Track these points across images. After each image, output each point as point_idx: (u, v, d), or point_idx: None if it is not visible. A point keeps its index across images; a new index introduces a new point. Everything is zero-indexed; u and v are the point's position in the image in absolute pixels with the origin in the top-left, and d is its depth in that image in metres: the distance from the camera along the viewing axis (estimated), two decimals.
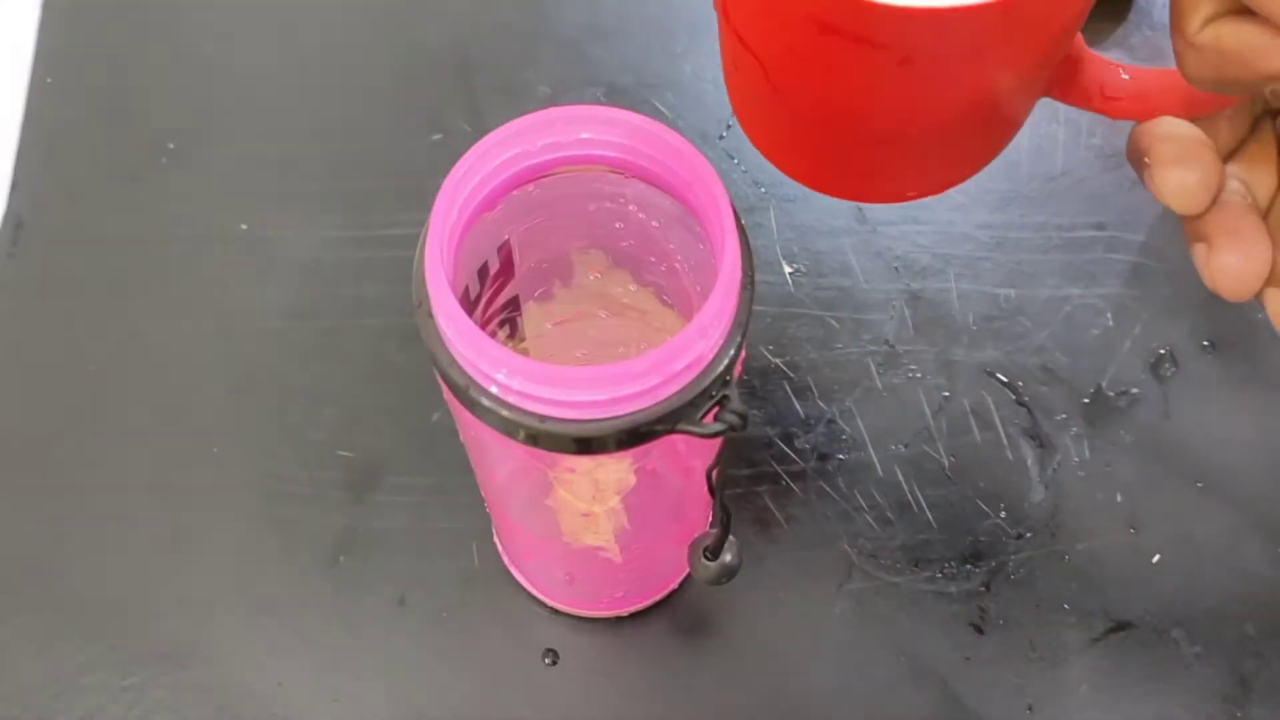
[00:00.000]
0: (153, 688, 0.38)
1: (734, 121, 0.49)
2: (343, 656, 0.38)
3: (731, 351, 0.25)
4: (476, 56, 0.50)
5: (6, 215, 0.46)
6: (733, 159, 0.48)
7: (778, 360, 0.44)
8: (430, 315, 0.25)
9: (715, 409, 0.25)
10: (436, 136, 0.48)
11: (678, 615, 0.39)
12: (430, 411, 0.42)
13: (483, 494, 0.35)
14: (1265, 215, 0.25)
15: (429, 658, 0.38)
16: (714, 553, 0.30)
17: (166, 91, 0.50)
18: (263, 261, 0.45)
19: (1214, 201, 0.24)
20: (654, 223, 0.29)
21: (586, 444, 0.24)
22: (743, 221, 0.26)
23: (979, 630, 0.39)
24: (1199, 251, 0.24)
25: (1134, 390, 0.43)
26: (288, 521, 0.40)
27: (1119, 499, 0.41)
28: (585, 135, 0.27)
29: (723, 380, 0.25)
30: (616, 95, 0.49)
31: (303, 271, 0.45)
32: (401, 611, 0.39)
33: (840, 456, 0.42)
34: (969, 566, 0.40)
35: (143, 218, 0.46)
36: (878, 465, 0.41)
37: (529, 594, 0.39)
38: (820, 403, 0.42)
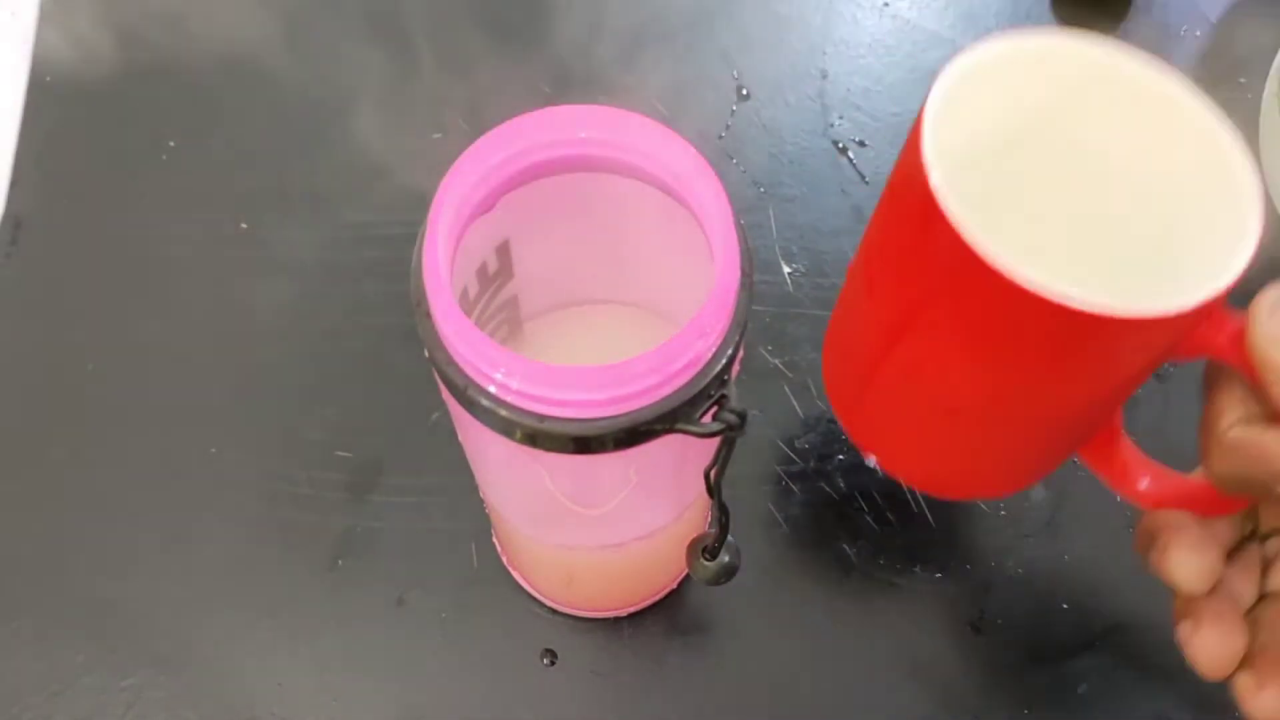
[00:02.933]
0: (151, 688, 0.38)
1: (732, 121, 0.49)
2: (342, 657, 0.38)
3: (730, 351, 0.25)
4: (476, 55, 0.50)
5: (5, 214, 0.46)
6: (731, 159, 0.48)
7: (777, 360, 0.44)
8: (429, 315, 0.25)
9: (714, 408, 0.25)
10: (436, 136, 0.48)
11: (676, 616, 0.39)
12: (429, 412, 0.42)
13: (482, 494, 0.35)
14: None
15: (428, 658, 0.38)
16: (713, 553, 0.30)
17: (166, 92, 0.50)
18: (263, 261, 0.45)
19: (1210, 588, 0.28)
20: (653, 222, 0.29)
21: (585, 443, 0.24)
22: (741, 221, 0.26)
23: (978, 630, 0.39)
24: (1185, 628, 0.28)
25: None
26: (287, 522, 0.40)
27: (1119, 499, 0.41)
28: (584, 135, 0.27)
29: (721, 379, 0.25)
30: (616, 95, 0.49)
31: (303, 271, 0.45)
32: (400, 612, 0.39)
33: (840, 456, 0.42)
34: (968, 566, 0.40)
35: (143, 218, 0.46)
36: (878, 465, 0.41)
37: (528, 594, 0.39)
38: (820, 403, 0.42)
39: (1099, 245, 0.32)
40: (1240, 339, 0.26)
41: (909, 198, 0.27)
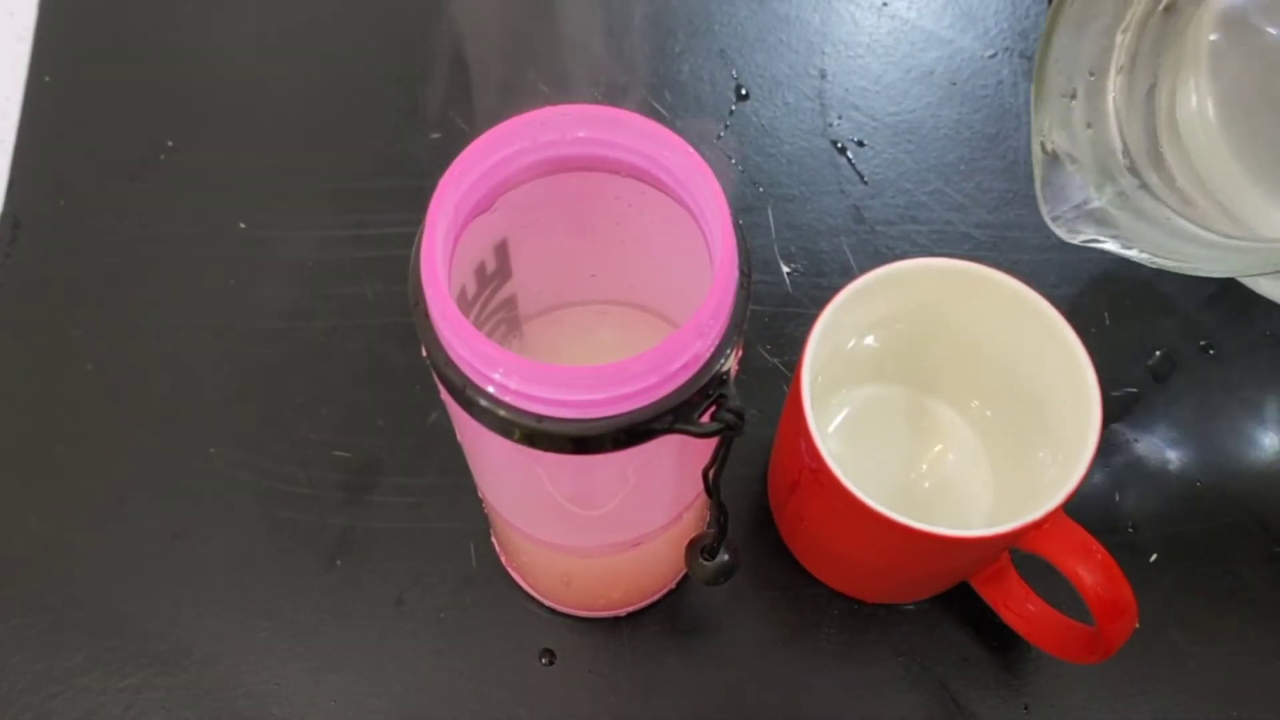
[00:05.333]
0: (150, 688, 0.38)
1: (731, 121, 0.49)
2: (340, 657, 0.38)
3: (729, 350, 0.25)
4: (475, 56, 0.50)
5: (4, 215, 0.46)
6: (730, 159, 0.48)
7: (776, 360, 0.44)
8: (427, 315, 0.25)
9: (712, 408, 0.25)
10: (435, 136, 0.48)
11: (675, 616, 0.39)
12: (428, 411, 0.42)
13: (480, 494, 0.35)
14: None
15: (426, 658, 0.38)
16: (711, 553, 0.30)
17: (165, 91, 0.50)
18: (261, 261, 0.45)
19: None
20: (651, 222, 0.29)
21: (584, 444, 0.24)
22: (739, 221, 0.26)
23: (977, 630, 0.39)
24: None
25: (1133, 390, 0.43)
26: (285, 522, 0.40)
27: (1117, 498, 0.41)
28: (582, 134, 0.27)
29: (720, 379, 0.25)
30: (615, 95, 0.49)
31: (301, 271, 0.45)
32: (399, 612, 0.39)
33: None
34: None
35: (141, 217, 0.46)
36: None
37: (526, 594, 0.39)
38: None
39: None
40: (1075, 548, 0.32)
41: (793, 391, 0.34)
